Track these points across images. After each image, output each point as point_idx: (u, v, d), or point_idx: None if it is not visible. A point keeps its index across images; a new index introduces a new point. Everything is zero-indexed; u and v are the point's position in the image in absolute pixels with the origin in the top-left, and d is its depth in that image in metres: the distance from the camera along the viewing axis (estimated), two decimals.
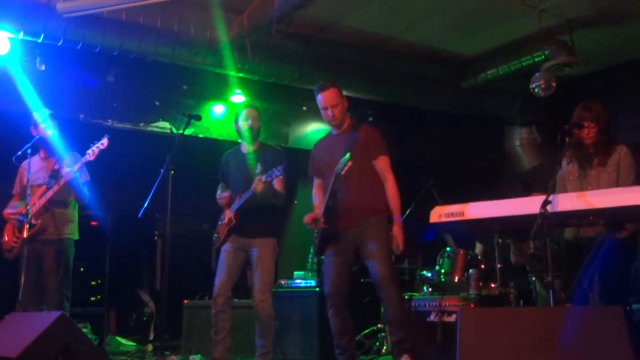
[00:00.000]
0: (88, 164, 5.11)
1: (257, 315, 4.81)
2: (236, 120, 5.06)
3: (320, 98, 4.65)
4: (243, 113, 5.04)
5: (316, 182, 4.92)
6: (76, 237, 5.27)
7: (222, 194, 5.07)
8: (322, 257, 4.82)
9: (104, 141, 5.01)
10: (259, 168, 4.74)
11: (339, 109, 4.65)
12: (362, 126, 4.75)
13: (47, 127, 5.21)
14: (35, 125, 5.22)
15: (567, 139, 4.01)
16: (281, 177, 4.68)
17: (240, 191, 4.89)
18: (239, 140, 5.17)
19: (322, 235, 4.59)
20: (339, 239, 4.57)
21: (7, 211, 5.13)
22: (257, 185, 4.64)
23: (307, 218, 4.70)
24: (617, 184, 4.12)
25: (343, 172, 4.32)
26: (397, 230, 4.51)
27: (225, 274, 4.86)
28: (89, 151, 5.00)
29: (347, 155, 4.28)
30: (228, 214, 4.92)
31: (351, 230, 4.54)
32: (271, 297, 4.86)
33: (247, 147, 5.08)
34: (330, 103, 4.63)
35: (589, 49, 6.85)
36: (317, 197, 4.87)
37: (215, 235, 5.05)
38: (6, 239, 5.13)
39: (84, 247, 5.32)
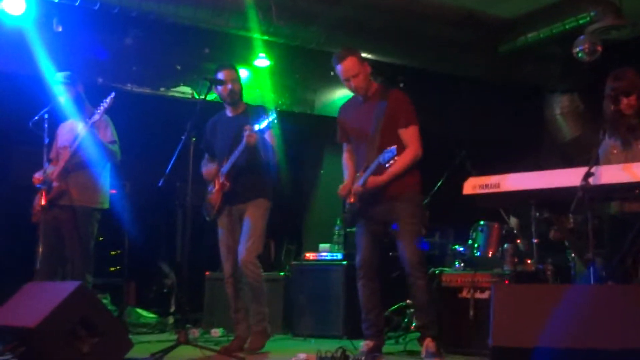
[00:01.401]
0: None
1: (244, 277, 4.77)
2: (216, 85, 4.91)
3: (339, 69, 4.59)
4: (220, 76, 4.91)
5: (346, 148, 4.90)
6: (103, 206, 5.25)
7: (209, 168, 4.98)
8: (352, 229, 4.85)
9: (108, 99, 4.95)
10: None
11: (361, 77, 4.58)
12: (391, 92, 4.68)
13: (58, 92, 5.23)
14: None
15: (612, 108, 3.94)
16: (274, 120, 4.58)
17: (227, 156, 4.81)
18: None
19: (353, 208, 4.60)
20: (370, 211, 4.59)
21: (35, 176, 5.15)
22: (250, 137, 4.54)
23: (342, 190, 4.70)
24: None
25: (387, 165, 4.25)
26: (371, 180, 4.46)
27: (230, 254, 4.87)
28: (96, 112, 4.97)
29: (395, 150, 4.18)
30: (219, 180, 4.85)
31: (382, 204, 4.54)
32: (257, 259, 4.80)
33: (232, 111, 5.00)
34: (350, 74, 4.56)
35: (639, 10, 6.69)
36: (348, 166, 4.85)
37: (207, 206, 4.95)
38: (36, 202, 5.14)
39: (103, 215, 5.37)
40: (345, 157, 4.91)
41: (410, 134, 4.56)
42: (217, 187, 4.86)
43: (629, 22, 6.42)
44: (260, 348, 4.62)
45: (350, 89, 4.67)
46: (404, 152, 4.47)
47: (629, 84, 4.08)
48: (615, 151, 4.23)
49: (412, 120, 4.59)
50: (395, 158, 4.17)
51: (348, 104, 4.92)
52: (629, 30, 6.57)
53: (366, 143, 4.61)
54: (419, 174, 4.63)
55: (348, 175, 4.81)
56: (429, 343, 4.41)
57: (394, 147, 4.17)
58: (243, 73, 7.35)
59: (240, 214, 4.84)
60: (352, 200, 4.59)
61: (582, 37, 6.54)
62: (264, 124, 4.51)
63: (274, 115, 4.54)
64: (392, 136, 4.50)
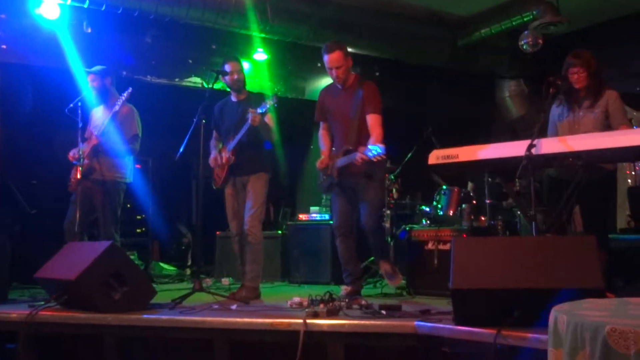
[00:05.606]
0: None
1: (248, 240, 4.66)
2: (223, 75, 4.79)
3: (326, 59, 4.49)
4: (227, 68, 4.79)
5: (322, 126, 4.80)
6: (128, 180, 5.22)
7: (212, 158, 4.86)
8: (329, 194, 4.84)
9: (126, 93, 4.93)
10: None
11: (343, 69, 4.48)
12: (366, 83, 4.57)
13: (88, 82, 5.19)
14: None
15: (551, 90, 3.93)
16: (275, 104, 4.47)
17: (232, 135, 4.72)
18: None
19: (332, 180, 4.58)
20: (343, 182, 4.56)
21: (70, 153, 5.12)
22: (255, 118, 4.42)
23: (320, 164, 4.65)
24: (602, 125, 4.03)
25: (372, 157, 4.03)
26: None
27: (235, 217, 4.80)
28: (117, 103, 4.96)
29: (383, 150, 3.97)
30: (225, 155, 4.75)
31: (352, 177, 4.50)
32: (261, 224, 4.72)
33: (236, 97, 4.89)
34: (334, 64, 4.46)
35: (572, 10, 6.66)
36: (325, 142, 4.76)
37: (214, 176, 4.87)
38: (72, 175, 5.11)
39: (130, 186, 5.35)
40: (322, 134, 4.80)
41: (374, 121, 4.42)
42: (224, 160, 4.78)
43: (564, 20, 6.40)
44: (250, 300, 4.48)
45: (332, 76, 4.57)
46: (372, 139, 4.31)
47: (584, 61, 4.07)
48: (561, 118, 4.22)
49: (378, 109, 4.46)
50: (383, 156, 3.99)
51: (328, 90, 4.80)
52: (565, 26, 6.55)
53: (345, 125, 4.54)
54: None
55: (325, 149, 4.73)
56: (384, 265, 4.53)
57: (383, 147, 3.98)
58: (244, 65, 7.31)
59: (244, 184, 4.77)
60: (334, 174, 4.53)
61: (526, 32, 6.53)
62: (266, 108, 4.46)
63: (275, 100, 4.47)
64: (361, 119, 4.45)
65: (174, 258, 7.64)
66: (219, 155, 4.85)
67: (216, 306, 4.12)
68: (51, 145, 6.73)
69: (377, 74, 7.85)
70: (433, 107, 8.44)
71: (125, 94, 4.93)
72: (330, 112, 4.71)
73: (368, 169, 4.43)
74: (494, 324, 2.79)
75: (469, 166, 3.88)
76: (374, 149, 3.99)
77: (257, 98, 4.74)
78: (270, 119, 4.71)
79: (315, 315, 3.43)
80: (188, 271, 7.17)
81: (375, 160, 4.01)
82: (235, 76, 4.79)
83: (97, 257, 3.85)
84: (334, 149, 4.68)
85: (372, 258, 6.11)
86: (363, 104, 4.47)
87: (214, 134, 5.01)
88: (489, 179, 5.27)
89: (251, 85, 7.05)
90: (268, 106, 4.43)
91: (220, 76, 4.81)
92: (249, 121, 4.47)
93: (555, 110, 4.28)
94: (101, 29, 6.24)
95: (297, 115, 8.06)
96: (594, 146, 3.38)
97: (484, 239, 4.19)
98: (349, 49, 4.54)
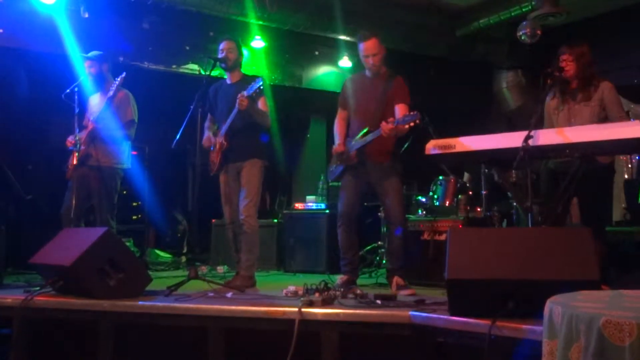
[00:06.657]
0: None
1: (243, 229, 4.61)
2: (220, 62, 4.73)
3: (362, 47, 4.51)
4: (220, 47, 4.74)
5: (340, 113, 4.77)
6: (125, 166, 5.19)
7: (206, 137, 4.81)
8: (335, 183, 4.81)
9: (119, 78, 4.91)
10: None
11: (378, 57, 4.51)
12: (396, 77, 4.59)
13: (85, 68, 5.15)
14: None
15: (548, 81, 3.92)
16: (262, 91, 4.41)
17: (225, 119, 4.65)
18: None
19: (349, 163, 4.56)
20: (359, 170, 4.55)
21: (68, 139, 5.08)
22: (242, 102, 4.37)
23: (339, 148, 4.60)
24: (599, 117, 4.03)
25: (407, 126, 4.09)
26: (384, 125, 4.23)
27: (229, 204, 4.76)
28: (111, 89, 4.93)
29: (417, 115, 4.06)
30: (218, 140, 4.69)
31: (370, 165, 4.50)
32: (256, 213, 4.66)
33: (231, 79, 4.82)
34: (371, 52, 4.49)
35: (571, 1, 6.63)
36: (340, 129, 4.73)
37: (209, 163, 4.81)
38: (69, 162, 5.09)
39: (126, 173, 5.33)
40: (339, 121, 4.76)
41: (403, 109, 4.45)
42: (217, 146, 4.73)
43: (563, 11, 6.38)
44: (245, 289, 4.44)
45: (368, 64, 4.55)
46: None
47: (573, 50, 4.06)
48: (557, 112, 4.21)
49: (407, 101, 4.51)
50: (417, 121, 4.06)
51: (356, 78, 4.79)
52: (563, 17, 6.52)
53: (368, 111, 4.53)
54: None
55: (340, 136, 4.70)
56: (398, 279, 4.39)
57: (416, 112, 4.07)
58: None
59: (238, 171, 4.71)
60: (352, 156, 4.51)
61: (524, 22, 6.50)
62: (253, 90, 4.38)
63: (262, 82, 4.38)
64: (391, 110, 4.46)
65: (170, 245, 7.64)
66: (213, 137, 4.82)
67: (211, 294, 4.11)
68: (47, 131, 6.71)
69: None
70: (430, 97, 8.41)
71: (118, 79, 4.89)
72: (354, 99, 4.68)
73: (394, 148, 4.43)
74: (489, 315, 2.79)
75: (466, 157, 3.87)
76: (405, 117, 4.09)
77: (250, 81, 4.70)
78: (264, 104, 4.66)
79: (311, 304, 3.43)
80: (183, 259, 7.16)
81: (408, 126, 4.07)
82: (225, 53, 4.72)
83: (92, 244, 3.84)
84: (349, 138, 4.66)
85: (369, 247, 6.12)
86: (393, 94, 4.50)
87: (209, 116, 4.96)
88: (486, 170, 5.27)
89: (248, 72, 7.03)
90: (254, 89, 4.34)
91: (217, 63, 4.77)
92: (237, 105, 4.42)
93: (551, 105, 4.28)
94: (98, 14, 6.19)
95: (294, 103, 8.04)
96: (591, 138, 3.38)
97: (479, 230, 4.20)
98: (347, 38, 4.52)
